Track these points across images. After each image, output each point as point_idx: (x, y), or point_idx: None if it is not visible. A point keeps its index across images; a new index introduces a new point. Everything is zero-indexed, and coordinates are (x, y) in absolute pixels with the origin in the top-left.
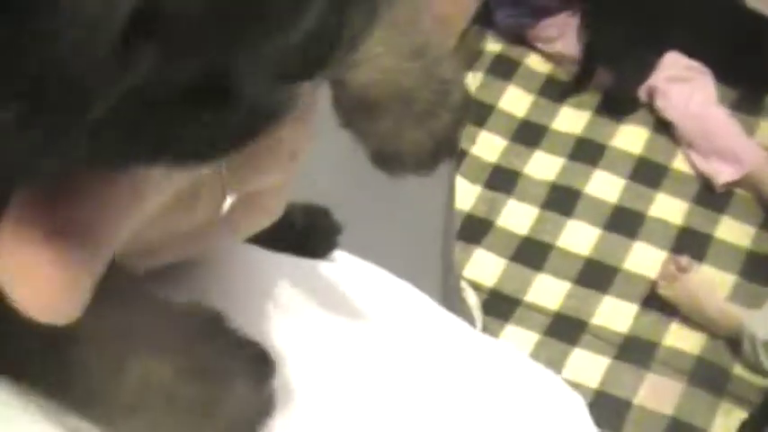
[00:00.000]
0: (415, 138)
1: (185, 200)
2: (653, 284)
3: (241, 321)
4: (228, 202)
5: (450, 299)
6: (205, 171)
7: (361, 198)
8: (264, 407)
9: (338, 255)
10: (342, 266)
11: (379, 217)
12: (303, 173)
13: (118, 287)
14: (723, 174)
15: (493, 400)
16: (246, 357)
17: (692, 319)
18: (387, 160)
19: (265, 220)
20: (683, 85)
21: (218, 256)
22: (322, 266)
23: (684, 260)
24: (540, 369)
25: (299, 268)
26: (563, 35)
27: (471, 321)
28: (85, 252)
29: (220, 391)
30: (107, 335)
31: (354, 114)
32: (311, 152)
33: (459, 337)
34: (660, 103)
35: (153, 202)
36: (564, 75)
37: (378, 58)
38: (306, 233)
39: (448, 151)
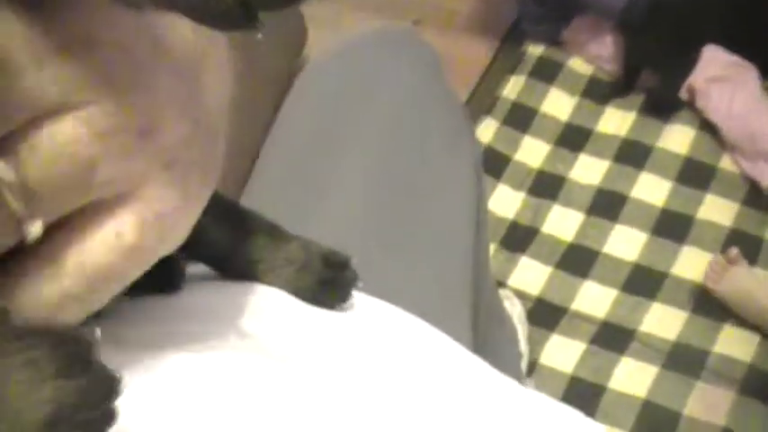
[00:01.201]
0: None
1: None
2: (703, 283)
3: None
4: (33, 229)
5: (483, 315)
6: None
7: (384, 219)
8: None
9: (356, 297)
10: (355, 315)
11: (403, 237)
12: (325, 194)
13: None
14: None
15: None
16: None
17: (743, 317)
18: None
19: (119, 249)
20: (724, 84)
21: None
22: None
23: (734, 251)
24: (559, 406)
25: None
26: (595, 37)
27: (512, 332)
28: None
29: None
30: None
31: None
32: (334, 173)
33: (477, 381)
34: (701, 105)
35: None
36: (607, 76)
37: None
38: (323, 284)
39: None
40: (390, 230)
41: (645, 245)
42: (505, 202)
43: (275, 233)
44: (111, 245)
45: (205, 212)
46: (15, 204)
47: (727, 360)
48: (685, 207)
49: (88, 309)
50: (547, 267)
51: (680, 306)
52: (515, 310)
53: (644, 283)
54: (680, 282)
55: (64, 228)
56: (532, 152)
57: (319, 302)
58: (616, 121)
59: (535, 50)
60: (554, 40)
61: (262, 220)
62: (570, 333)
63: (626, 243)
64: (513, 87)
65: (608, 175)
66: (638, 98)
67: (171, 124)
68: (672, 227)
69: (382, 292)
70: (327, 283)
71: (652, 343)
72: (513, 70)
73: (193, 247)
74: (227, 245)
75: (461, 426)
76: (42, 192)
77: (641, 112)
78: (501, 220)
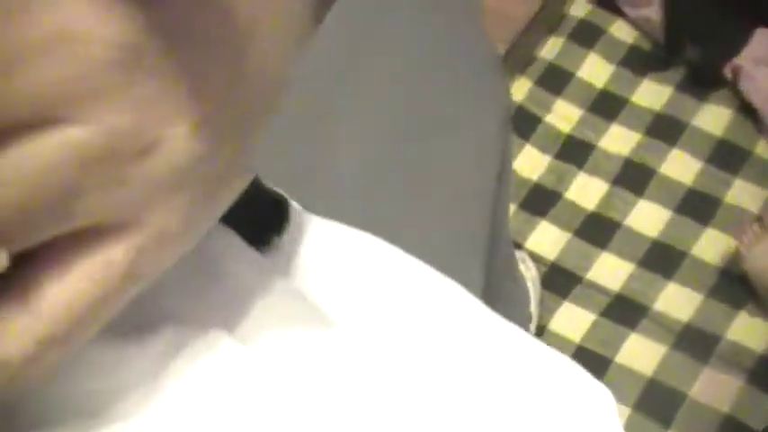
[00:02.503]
0: None
1: None
2: (733, 253)
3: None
4: None
5: (498, 267)
6: None
7: (401, 154)
8: None
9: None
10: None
11: (419, 173)
12: (340, 121)
13: None
14: None
15: (503, 398)
16: None
17: (762, 299)
18: None
19: (109, 281)
20: None
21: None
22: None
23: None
24: (569, 363)
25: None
26: (655, 1)
27: (524, 293)
28: None
29: None
30: None
31: None
32: (351, 100)
33: (488, 331)
34: (744, 86)
35: None
36: (648, 45)
37: None
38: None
39: None
40: (407, 165)
41: (668, 222)
42: (531, 163)
43: None
44: (98, 277)
45: None
46: None
47: (739, 348)
48: (713, 189)
49: (68, 353)
50: (566, 234)
51: (696, 288)
52: (529, 273)
53: (663, 260)
54: (699, 263)
55: (39, 259)
56: (564, 116)
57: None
58: (652, 93)
59: (577, 12)
60: None
61: None
62: (582, 302)
63: (649, 218)
64: (550, 48)
65: (638, 148)
66: (677, 73)
67: (182, 139)
68: (697, 207)
69: (394, 228)
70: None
71: (664, 322)
72: (552, 31)
73: None
74: None
75: (469, 375)
76: (7, 216)
77: (679, 87)
78: (524, 181)
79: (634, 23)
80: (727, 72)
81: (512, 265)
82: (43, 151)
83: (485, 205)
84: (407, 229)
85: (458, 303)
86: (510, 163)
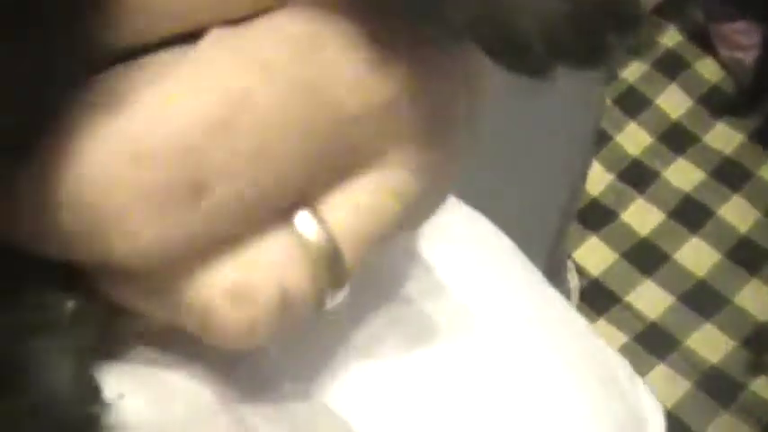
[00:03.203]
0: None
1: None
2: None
3: None
4: (335, 299)
5: (553, 267)
6: None
7: (491, 151)
8: None
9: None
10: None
11: (504, 168)
12: None
13: None
14: None
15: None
16: None
17: None
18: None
19: None
20: None
21: None
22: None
23: None
24: (625, 367)
25: None
26: (753, 47)
27: (567, 297)
28: None
29: None
30: None
31: None
32: None
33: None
34: None
35: None
36: (731, 88)
37: None
38: None
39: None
40: (491, 157)
41: (716, 264)
42: (593, 178)
43: None
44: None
45: None
46: (321, 275)
47: (761, 401)
48: None
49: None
50: (614, 253)
51: (731, 335)
52: (573, 282)
53: (704, 300)
54: (739, 312)
55: None
56: (634, 139)
57: None
58: (724, 136)
59: (667, 41)
60: (703, 30)
61: None
62: (617, 323)
63: (698, 257)
64: (633, 71)
65: (700, 186)
66: (753, 121)
67: None
68: (748, 256)
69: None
70: None
71: (693, 359)
72: (639, 56)
73: None
74: None
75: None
76: (352, 257)
77: (752, 136)
78: (583, 194)
79: (723, 64)
80: None
81: (563, 269)
82: (391, 182)
83: (557, 206)
84: (490, 191)
85: (542, 290)
86: (587, 170)
